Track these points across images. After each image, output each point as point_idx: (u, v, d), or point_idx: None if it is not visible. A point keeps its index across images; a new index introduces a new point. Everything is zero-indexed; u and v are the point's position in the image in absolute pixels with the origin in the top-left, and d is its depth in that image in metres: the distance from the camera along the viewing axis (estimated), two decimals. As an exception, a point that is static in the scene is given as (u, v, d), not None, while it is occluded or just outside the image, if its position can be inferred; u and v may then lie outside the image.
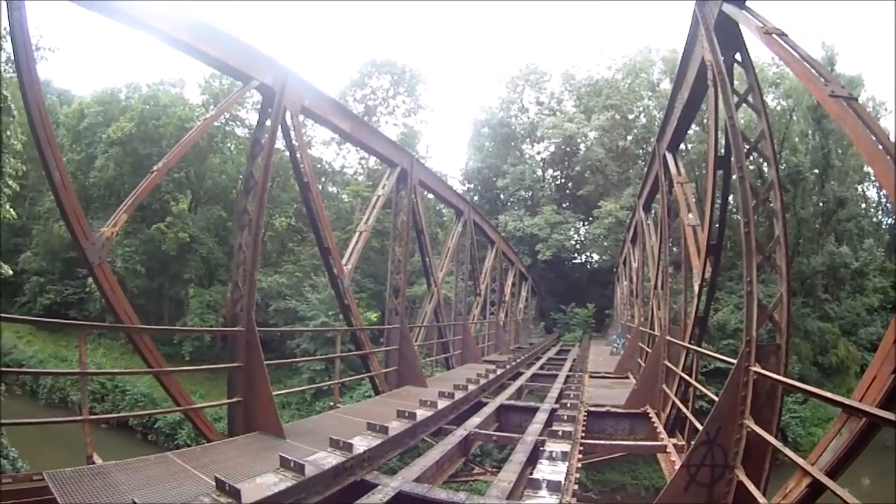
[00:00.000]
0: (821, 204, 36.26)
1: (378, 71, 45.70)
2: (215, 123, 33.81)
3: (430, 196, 17.11)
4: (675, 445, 7.12)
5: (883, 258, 35.43)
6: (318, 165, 42.06)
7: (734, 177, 5.73)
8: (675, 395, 7.86)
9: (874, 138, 3.38)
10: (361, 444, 5.39)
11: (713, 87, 6.14)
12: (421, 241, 13.55)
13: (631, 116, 44.79)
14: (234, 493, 3.61)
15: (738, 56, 6.06)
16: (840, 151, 35.57)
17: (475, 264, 19.83)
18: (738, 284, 22.05)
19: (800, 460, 3.48)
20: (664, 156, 10.56)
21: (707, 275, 7.37)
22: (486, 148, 48.74)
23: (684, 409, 7.18)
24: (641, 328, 13.68)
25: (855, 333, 32.98)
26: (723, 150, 6.61)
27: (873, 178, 38.33)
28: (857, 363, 30.54)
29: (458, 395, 8.74)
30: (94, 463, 4.44)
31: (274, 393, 6.45)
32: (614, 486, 22.09)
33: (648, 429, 8.58)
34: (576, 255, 45.35)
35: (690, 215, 8.81)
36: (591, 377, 13.84)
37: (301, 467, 4.29)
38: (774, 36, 4.53)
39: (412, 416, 6.79)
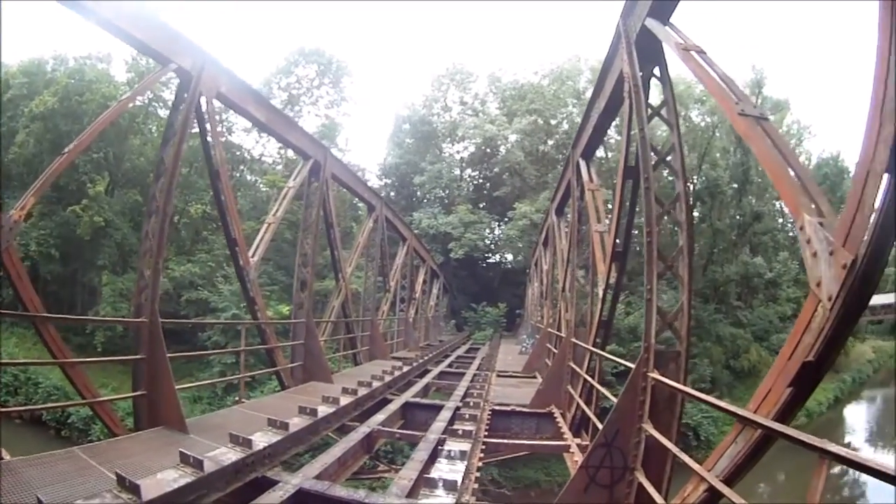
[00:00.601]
0: (738, 217, 38.63)
1: (305, 60, 44.50)
2: (137, 103, 32.17)
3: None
4: (578, 445, 7.27)
5: (797, 270, 37.38)
6: (238, 153, 40.25)
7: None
8: (580, 395, 8.05)
9: (781, 157, 3.53)
10: (262, 440, 5.30)
11: (628, 98, 6.28)
12: (330, 234, 13.40)
13: (553, 122, 45.97)
14: (135, 489, 3.63)
15: (656, 71, 6.23)
16: (760, 168, 37.51)
17: (386, 260, 19.70)
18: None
19: (696, 466, 3.58)
20: (578, 162, 10.81)
21: (612, 280, 7.60)
22: (406, 144, 48.57)
23: (587, 410, 7.36)
24: (549, 329, 14.01)
25: (767, 339, 35.16)
26: (634, 161, 6.79)
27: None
28: (768, 367, 32.92)
29: (362, 391, 8.64)
30: (2, 458, 4.38)
31: (182, 387, 6.37)
32: (528, 482, 22.55)
33: (554, 428, 8.76)
34: (489, 254, 46.14)
35: (599, 222, 9.07)
36: (499, 376, 14.03)
37: (200, 463, 4.25)
38: (693, 53, 4.65)
39: (313, 412, 6.68)
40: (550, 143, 45.38)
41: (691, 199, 37.79)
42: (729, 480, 3.30)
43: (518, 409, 9.49)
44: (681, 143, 6.03)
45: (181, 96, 7.52)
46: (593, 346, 7.83)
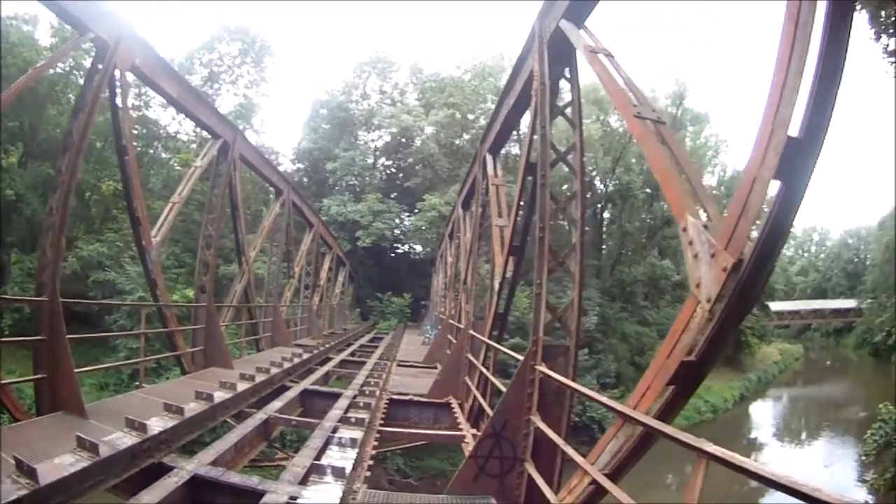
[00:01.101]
0: (648, 220, 40.29)
1: (230, 37, 42.24)
2: (58, 70, 29.88)
3: (259, 172, 16.27)
4: (474, 436, 7.32)
5: (707, 275, 40.42)
6: (154, 129, 37.49)
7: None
8: (477, 387, 8.13)
9: (673, 160, 3.63)
10: (157, 425, 5.25)
11: (535, 97, 6.35)
12: (235, 217, 12.99)
13: (471, 117, 46.06)
14: (32, 473, 3.66)
15: (567, 72, 6.30)
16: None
17: (291, 246, 19.22)
18: (557, 286, 23.90)
19: (579, 459, 3.65)
20: (485, 157, 10.93)
21: (508, 274, 7.72)
22: (322, 130, 47.35)
23: (483, 402, 7.45)
24: (451, 320, 14.10)
25: (674, 338, 37.34)
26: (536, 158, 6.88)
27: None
28: (674, 364, 35.35)
29: (260, 378, 8.47)
30: None
31: (82, 370, 6.34)
32: (434, 472, 22.55)
33: (451, 419, 8.82)
34: (398, 244, 45.81)
35: (501, 217, 9.20)
36: (401, 366, 14.04)
37: (96, 447, 4.24)
38: (600, 55, 4.70)
39: (209, 397, 6.57)
40: (466, 137, 45.59)
41: (603, 200, 39.51)
42: (614, 475, 3.37)
43: (416, 398, 9.53)
44: (582, 143, 6.18)
45: (96, 66, 7.21)
46: (490, 338, 7.92)
